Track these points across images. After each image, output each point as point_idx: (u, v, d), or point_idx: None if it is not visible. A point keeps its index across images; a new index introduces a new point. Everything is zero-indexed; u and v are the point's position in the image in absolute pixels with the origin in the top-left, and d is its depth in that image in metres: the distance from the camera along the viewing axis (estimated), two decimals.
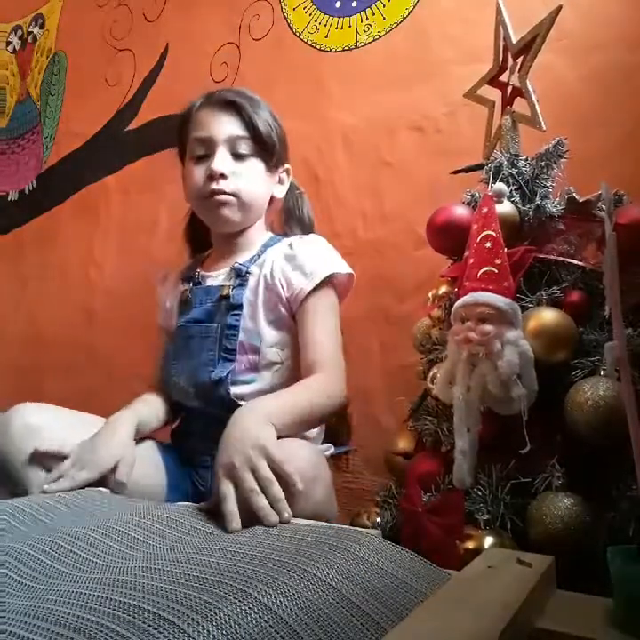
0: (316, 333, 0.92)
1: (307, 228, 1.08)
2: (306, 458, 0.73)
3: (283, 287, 0.95)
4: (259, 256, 1.00)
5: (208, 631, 0.37)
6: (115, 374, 1.77)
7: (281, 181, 1.06)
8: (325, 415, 0.89)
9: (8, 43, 2.37)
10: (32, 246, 2.15)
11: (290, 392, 0.85)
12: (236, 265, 0.99)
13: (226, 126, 0.97)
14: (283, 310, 0.96)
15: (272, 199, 1.06)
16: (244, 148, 0.98)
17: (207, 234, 1.08)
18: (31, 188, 2.20)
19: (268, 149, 0.99)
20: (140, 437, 0.92)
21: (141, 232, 1.85)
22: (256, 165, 0.99)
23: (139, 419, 0.92)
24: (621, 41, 1.19)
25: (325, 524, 0.64)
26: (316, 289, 0.93)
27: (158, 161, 1.83)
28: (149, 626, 0.37)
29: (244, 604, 0.40)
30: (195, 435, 0.99)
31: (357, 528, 0.67)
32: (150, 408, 0.98)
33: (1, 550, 0.52)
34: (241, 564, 0.48)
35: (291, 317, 0.96)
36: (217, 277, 1.01)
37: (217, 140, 0.97)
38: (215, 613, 0.38)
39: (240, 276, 0.98)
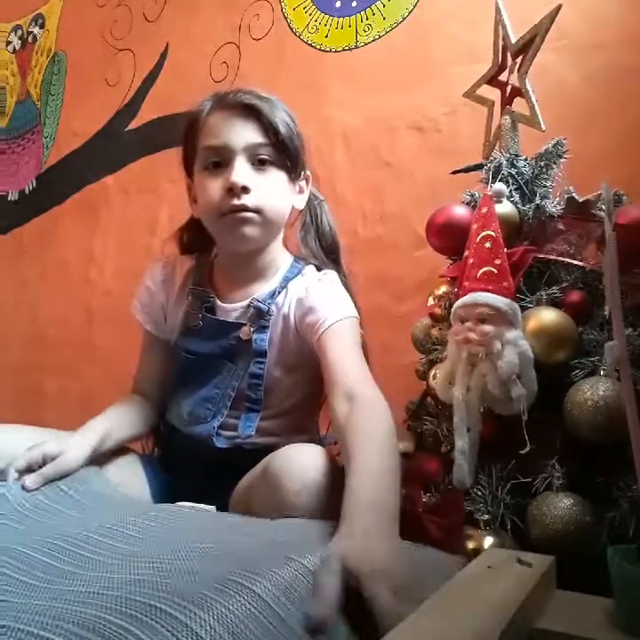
0: (341, 358, 0.82)
1: (328, 240, 1.00)
2: (316, 467, 0.71)
3: (299, 329, 0.90)
4: (278, 292, 0.93)
5: (210, 625, 0.39)
6: (115, 374, 1.77)
7: (301, 191, 0.96)
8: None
9: (8, 42, 2.37)
10: (32, 246, 2.15)
11: (381, 479, 0.63)
12: (254, 302, 0.91)
13: (244, 133, 0.87)
14: (299, 351, 0.91)
15: (292, 213, 0.97)
16: (264, 156, 0.88)
17: (211, 241, 0.98)
18: (31, 188, 2.20)
19: (291, 157, 0.90)
20: (106, 449, 0.86)
21: (141, 232, 1.85)
22: (279, 176, 0.89)
23: (105, 429, 0.86)
24: (621, 41, 1.19)
25: (312, 520, 0.64)
26: (335, 322, 0.86)
27: (158, 161, 1.82)
28: (157, 623, 0.38)
29: (239, 594, 0.43)
30: (182, 456, 0.96)
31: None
32: (123, 418, 0.93)
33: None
34: (235, 557, 0.51)
35: (309, 350, 0.89)
36: (232, 312, 0.93)
37: (235, 148, 0.86)
38: (215, 607, 0.40)
39: (260, 316, 0.91)
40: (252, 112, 0.87)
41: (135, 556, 0.53)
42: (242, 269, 0.96)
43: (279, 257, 0.97)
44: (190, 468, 0.93)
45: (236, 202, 0.86)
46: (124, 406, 0.96)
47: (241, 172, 0.86)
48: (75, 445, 0.80)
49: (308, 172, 0.97)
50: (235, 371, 0.92)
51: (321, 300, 0.89)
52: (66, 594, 0.45)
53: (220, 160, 0.88)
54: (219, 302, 0.95)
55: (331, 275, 0.96)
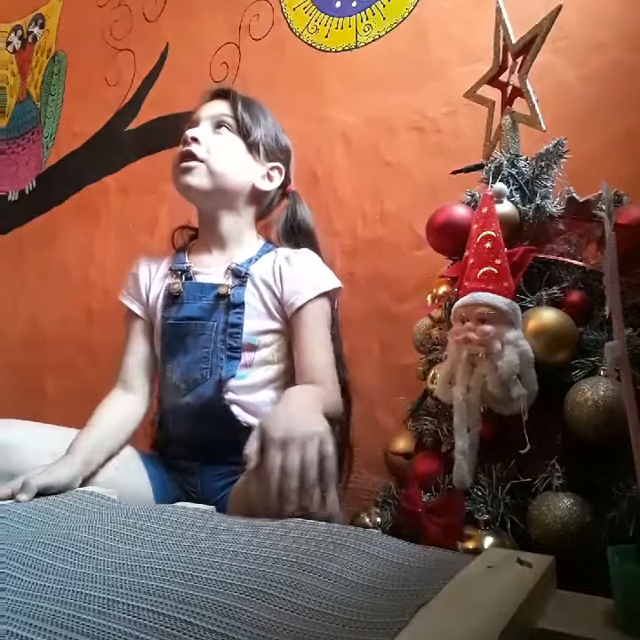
0: (310, 348, 0.94)
1: (303, 235, 1.06)
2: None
3: (279, 294, 0.97)
4: (255, 259, 1.00)
5: (251, 632, 0.39)
6: (114, 374, 1.77)
7: (270, 178, 1.05)
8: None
9: (8, 43, 2.37)
10: (32, 246, 2.15)
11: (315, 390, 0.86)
12: (233, 265, 0.99)
13: (212, 107, 1.03)
14: (277, 314, 0.98)
15: (258, 194, 1.04)
16: (224, 122, 1.01)
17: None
18: (31, 188, 2.20)
19: (249, 130, 1.01)
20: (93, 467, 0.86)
21: (141, 232, 1.85)
22: (234, 140, 1.01)
23: (88, 452, 0.85)
24: (621, 41, 1.19)
25: (328, 523, 0.64)
26: (310, 300, 0.95)
27: (158, 161, 1.82)
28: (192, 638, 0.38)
29: (270, 603, 0.43)
30: (180, 441, 0.97)
31: (359, 527, 0.67)
32: (109, 430, 0.92)
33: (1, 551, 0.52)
34: (259, 566, 0.50)
35: (285, 322, 0.98)
36: (210, 275, 1.00)
37: (201, 118, 1.02)
38: (243, 614, 0.40)
39: (239, 276, 0.98)
40: (224, 94, 1.04)
41: (146, 558, 0.53)
42: (210, 234, 1.04)
43: (247, 227, 1.05)
44: (189, 440, 0.96)
45: (184, 148, 0.99)
46: (107, 416, 0.95)
47: (197, 129, 1.00)
48: (61, 464, 0.80)
49: (280, 165, 1.05)
50: (216, 325, 0.96)
51: (296, 273, 0.98)
52: (79, 597, 0.44)
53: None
54: (198, 269, 1.02)
55: (306, 250, 1.03)
